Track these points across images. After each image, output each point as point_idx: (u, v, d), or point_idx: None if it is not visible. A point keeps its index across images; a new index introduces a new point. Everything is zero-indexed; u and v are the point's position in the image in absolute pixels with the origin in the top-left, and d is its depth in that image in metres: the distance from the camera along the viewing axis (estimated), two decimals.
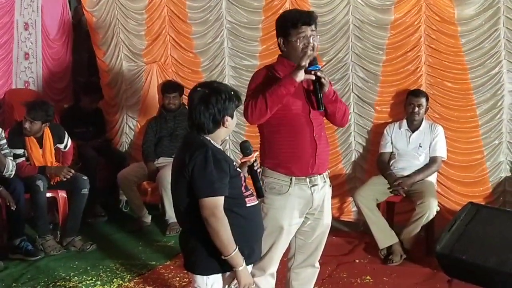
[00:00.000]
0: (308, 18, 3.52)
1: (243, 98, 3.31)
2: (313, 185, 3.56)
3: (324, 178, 3.66)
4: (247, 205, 2.86)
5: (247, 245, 2.83)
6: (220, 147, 2.89)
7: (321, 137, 3.60)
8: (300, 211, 3.55)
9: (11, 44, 6.74)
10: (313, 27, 3.51)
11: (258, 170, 3.15)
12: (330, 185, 3.76)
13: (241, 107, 3.17)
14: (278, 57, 3.70)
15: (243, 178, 2.89)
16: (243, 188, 2.86)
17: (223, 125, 2.85)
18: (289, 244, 3.72)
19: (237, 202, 2.81)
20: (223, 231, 2.68)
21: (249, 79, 6.55)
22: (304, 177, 3.53)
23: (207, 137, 2.84)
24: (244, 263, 2.75)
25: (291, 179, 3.50)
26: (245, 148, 3.12)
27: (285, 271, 3.89)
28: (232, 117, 2.89)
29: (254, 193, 3.02)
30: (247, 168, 3.10)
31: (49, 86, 7.36)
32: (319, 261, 3.84)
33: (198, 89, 2.89)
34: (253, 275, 3.50)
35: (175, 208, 2.93)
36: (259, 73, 3.71)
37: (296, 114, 3.51)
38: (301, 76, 3.36)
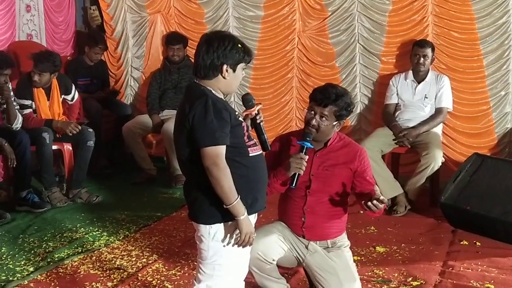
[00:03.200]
0: (318, 97, 3.41)
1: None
2: (307, 246, 3.53)
3: (328, 244, 3.55)
4: (250, 154, 2.84)
5: (250, 194, 2.82)
6: (222, 96, 2.86)
7: (316, 212, 3.48)
8: (289, 242, 3.54)
9: None
10: (326, 108, 3.36)
11: (262, 123, 3.12)
12: (344, 246, 3.59)
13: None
14: None
15: (245, 128, 2.87)
16: (245, 137, 2.84)
17: (221, 74, 2.81)
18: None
19: (239, 151, 2.80)
20: (225, 181, 2.68)
21: (253, 30, 6.65)
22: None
23: (208, 87, 2.81)
24: (245, 213, 2.75)
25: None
26: (247, 101, 3.08)
27: None
28: (234, 70, 2.83)
29: (259, 144, 3.00)
30: (250, 121, 3.07)
31: (52, 38, 7.29)
32: None
33: (208, 33, 2.89)
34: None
35: (178, 158, 2.92)
36: (278, 140, 3.65)
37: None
38: (290, 173, 3.32)
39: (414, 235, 4.84)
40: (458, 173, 5.14)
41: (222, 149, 2.70)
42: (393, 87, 5.92)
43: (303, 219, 3.50)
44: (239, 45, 2.83)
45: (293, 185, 3.34)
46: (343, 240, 3.61)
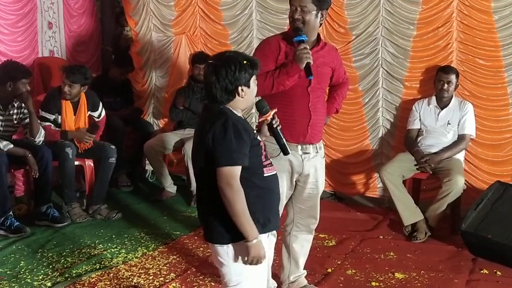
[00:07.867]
0: None
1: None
2: (305, 153, 3.81)
3: (317, 149, 3.89)
4: (265, 174, 2.83)
5: (262, 215, 2.80)
6: (241, 115, 2.87)
7: (317, 109, 3.82)
8: (289, 175, 3.77)
9: (35, 13, 6.75)
10: (304, 1, 3.69)
11: (279, 127, 3.13)
12: (323, 157, 3.99)
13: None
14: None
15: (263, 147, 2.87)
16: (263, 157, 2.84)
17: (238, 96, 2.81)
18: (287, 211, 4.04)
19: (255, 171, 2.79)
20: (238, 202, 2.67)
21: None
22: (295, 144, 3.74)
23: (227, 106, 2.82)
24: (257, 236, 2.72)
25: None
26: (260, 107, 3.09)
27: (283, 237, 4.15)
28: (248, 87, 2.83)
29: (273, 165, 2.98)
30: (267, 127, 3.09)
31: (72, 56, 7.36)
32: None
33: (210, 61, 2.88)
34: None
35: (195, 177, 2.95)
36: (269, 44, 3.85)
37: (294, 85, 3.68)
38: (303, 64, 3.58)
39: (434, 262, 4.79)
40: (480, 200, 5.08)
41: (237, 169, 2.70)
42: (415, 112, 5.90)
43: (310, 116, 3.77)
44: (245, 62, 2.82)
45: (311, 75, 3.63)
46: (322, 146, 4.00)
